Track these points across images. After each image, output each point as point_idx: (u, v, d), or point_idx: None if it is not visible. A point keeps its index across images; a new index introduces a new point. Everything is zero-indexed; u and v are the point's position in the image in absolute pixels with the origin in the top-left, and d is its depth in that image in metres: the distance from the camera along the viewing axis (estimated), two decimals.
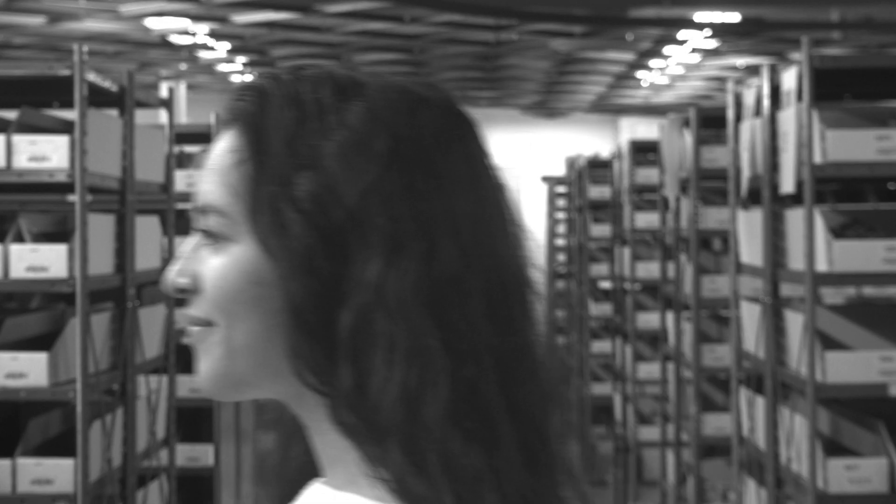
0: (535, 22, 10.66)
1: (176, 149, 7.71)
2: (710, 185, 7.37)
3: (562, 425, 1.32)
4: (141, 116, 5.74)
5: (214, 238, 1.33)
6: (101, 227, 5.28)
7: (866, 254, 4.91)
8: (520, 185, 18.70)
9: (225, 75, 14.34)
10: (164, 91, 13.63)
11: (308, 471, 1.36)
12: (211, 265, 1.33)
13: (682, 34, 11.11)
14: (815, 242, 4.95)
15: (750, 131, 5.75)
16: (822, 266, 4.93)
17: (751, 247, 5.83)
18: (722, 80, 14.15)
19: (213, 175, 1.36)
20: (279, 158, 1.30)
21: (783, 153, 5.26)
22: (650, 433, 9.09)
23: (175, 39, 11.80)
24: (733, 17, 10.52)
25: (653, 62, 12.98)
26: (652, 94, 15.95)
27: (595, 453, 11.00)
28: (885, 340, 5.35)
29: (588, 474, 11.13)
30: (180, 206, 8.09)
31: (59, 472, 5.04)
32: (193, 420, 7.92)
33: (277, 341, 1.29)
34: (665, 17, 10.14)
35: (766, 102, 5.48)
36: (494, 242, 1.30)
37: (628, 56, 12.54)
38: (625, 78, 14.36)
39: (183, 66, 13.59)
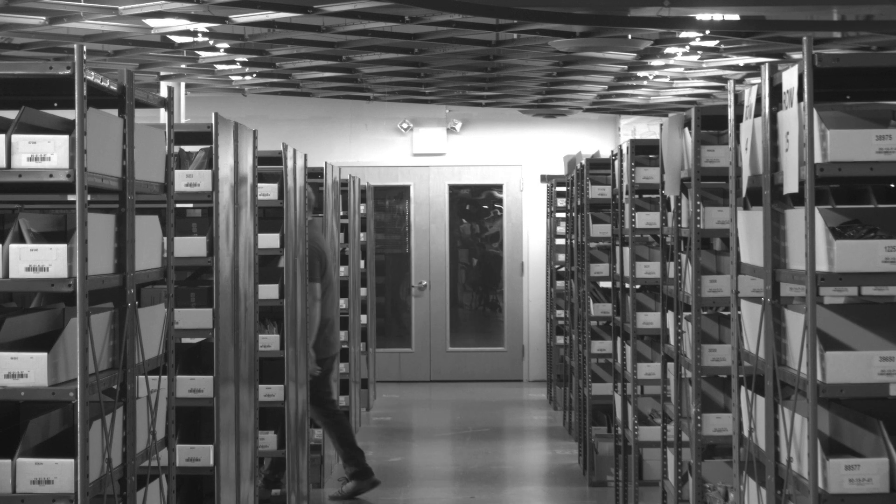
0: (536, 22, 10.64)
1: (176, 149, 7.71)
2: (710, 185, 7.37)
3: None
4: (141, 116, 5.74)
5: None
6: (101, 227, 5.28)
7: (866, 254, 4.91)
8: (521, 184, 18.69)
9: (225, 75, 14.31)
10: (163, 91, 13.58)
11: None
12: None
13: (682, 34, 11.10)
14: (815, 242, 4.95)
15: (750, 131, 5.75)
16: (822, 266, 4.93)
17: (751, 247, 5.83)
18: (722, 80, 14.14)
19: None
20: None
21: (786, 153, 5.26)
22: (650, 433, 9.09)
23: (175, 39, 11.79)
24: (733, 16, 10.51)
25: (653, 62, 12.96)
26: (652, 94, 15.94)
27: (595, 453, 11.00)
28: (885, 340, 5.35)
29: (588, 475, 11.13)
30: (180, 205, 8.09)
31: (58, 472, 5.04)
32: (193, 420, 7.92)
33: None
34: (665, 17, 10.13)
35: (766, 102, 5.48)
36: None
37: (628, 56, 12.52)
38: (625, 78, 14.34)
39: (183, 66, 13.57)
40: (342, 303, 13.19)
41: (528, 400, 16.86)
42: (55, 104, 5.75)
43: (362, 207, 15.18)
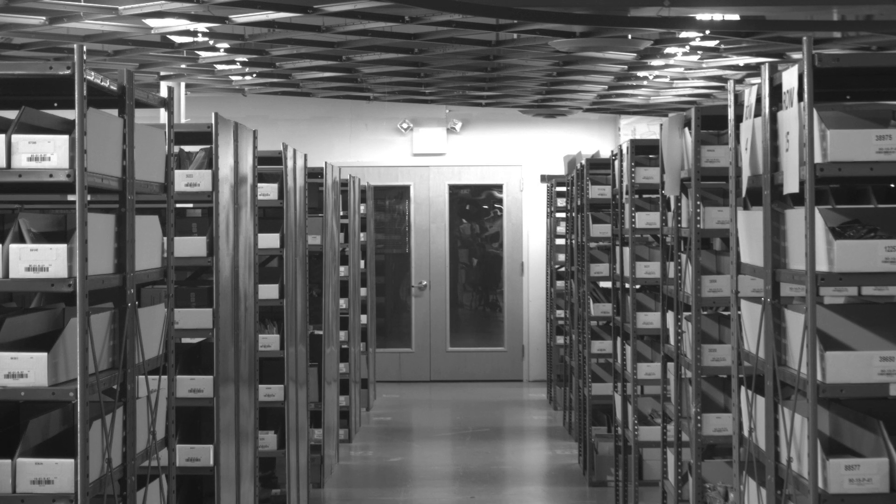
0: (536, 22, 10.65)
1: (176, 149, 7.71)
2: (710, 185, 7.37)
3: None
4: (141, 116, 5.74)
5: None
6: (101, 227, 5.28)
7: (866, 254, 4.90)
8: (521, 184, 18.69)
9: (225, 75, 14.32)
10: (163, 91, 13.59)
11: None
12: None
13: (682, 34, 11.10)
14: (815, 242, 4.95)
15: (750, 131, 5.75)
16: (822, 266, 4.93)
17: (751, 247, 5.83)
18: (722, 80, 14.14)
19: None
20: None
21: (786, 153, 5.26)
22: (650, 433, 9.09)
23: (175, 39, 11.79)
24: (733, 16, 10.51)
25: (653, 62, 12.96)
26: (652, 94, 15.94)
27: (595, 453, 11.00)
28: (885, 340, 5.35)
29: (588, 475, 11.13)
30: (180, 205, 8.09)
31: (58, 472, 5.04)
32: (193, 420, 7.92)
33: None
34: (665, 17, 10.13)
35: (766, 102, 5.48)
36: None
37: (628, 56, 12.52)
38: (625, 78, 14.34)
39: (183, 66, 13.57)
40: (342, 303, 13.19)
41: (528, 400, 16.86)
42: (55, 104, 5.75)
43: (362, 207, 15.18)
